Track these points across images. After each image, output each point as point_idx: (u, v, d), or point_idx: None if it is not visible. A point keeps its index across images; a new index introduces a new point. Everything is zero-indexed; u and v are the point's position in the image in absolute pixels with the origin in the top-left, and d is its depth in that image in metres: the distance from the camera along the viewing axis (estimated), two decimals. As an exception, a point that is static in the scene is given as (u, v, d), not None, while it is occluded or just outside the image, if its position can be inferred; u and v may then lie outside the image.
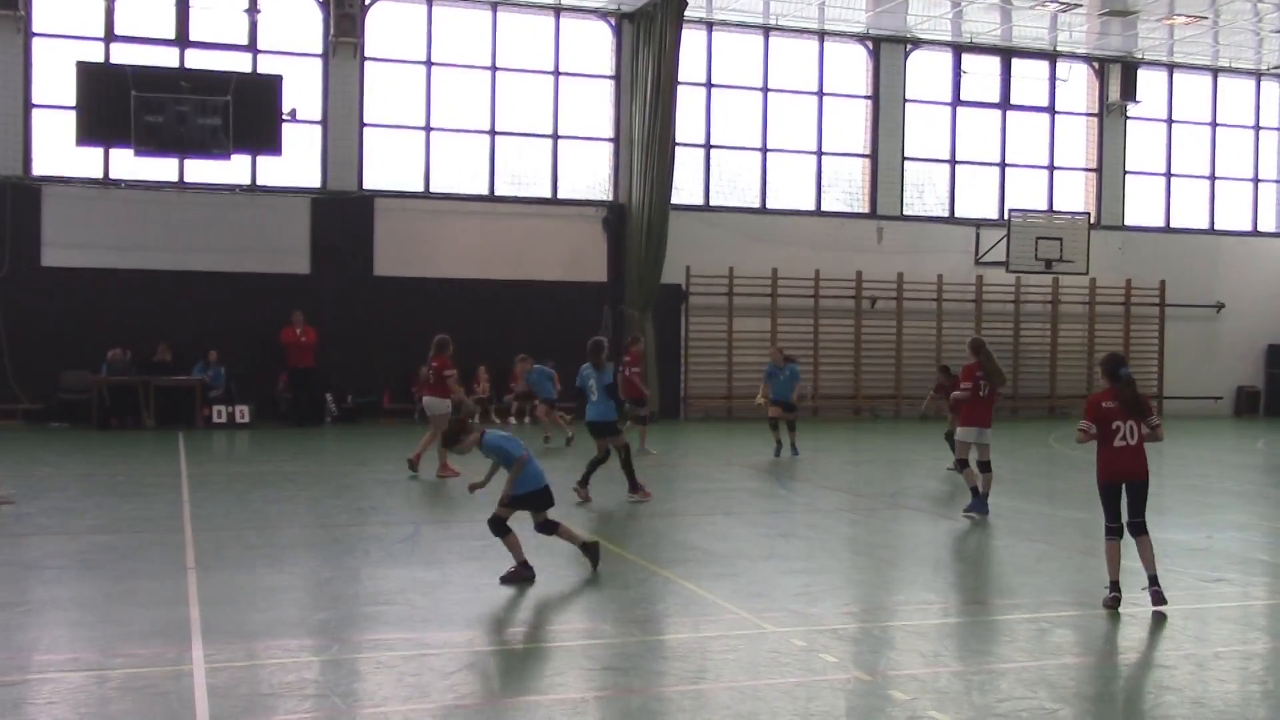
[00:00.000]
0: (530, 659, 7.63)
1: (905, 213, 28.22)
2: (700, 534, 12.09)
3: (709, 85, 26.75)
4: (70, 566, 10.03)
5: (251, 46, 23.72)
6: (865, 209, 28.05)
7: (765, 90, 27.11)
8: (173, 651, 7.48)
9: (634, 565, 10.36)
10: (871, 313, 27.63)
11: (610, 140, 26.10)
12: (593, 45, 26.11)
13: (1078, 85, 29.49)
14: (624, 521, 12.89)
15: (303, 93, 23.78)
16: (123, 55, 22.84)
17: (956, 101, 28.60)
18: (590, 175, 26.32)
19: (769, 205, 27.27)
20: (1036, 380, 29.04)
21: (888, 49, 27.73)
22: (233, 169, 23.42)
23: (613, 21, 25.95)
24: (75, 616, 8.47)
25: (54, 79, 22.63)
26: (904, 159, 28.17)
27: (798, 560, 10.80)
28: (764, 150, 27.20)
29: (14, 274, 22.32)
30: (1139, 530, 8.93)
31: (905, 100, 28.04)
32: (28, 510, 12.81)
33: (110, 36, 23.03)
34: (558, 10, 25.52)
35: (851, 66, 27.90)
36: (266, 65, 23.64)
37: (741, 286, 26.50)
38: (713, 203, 26.90)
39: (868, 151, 28.00)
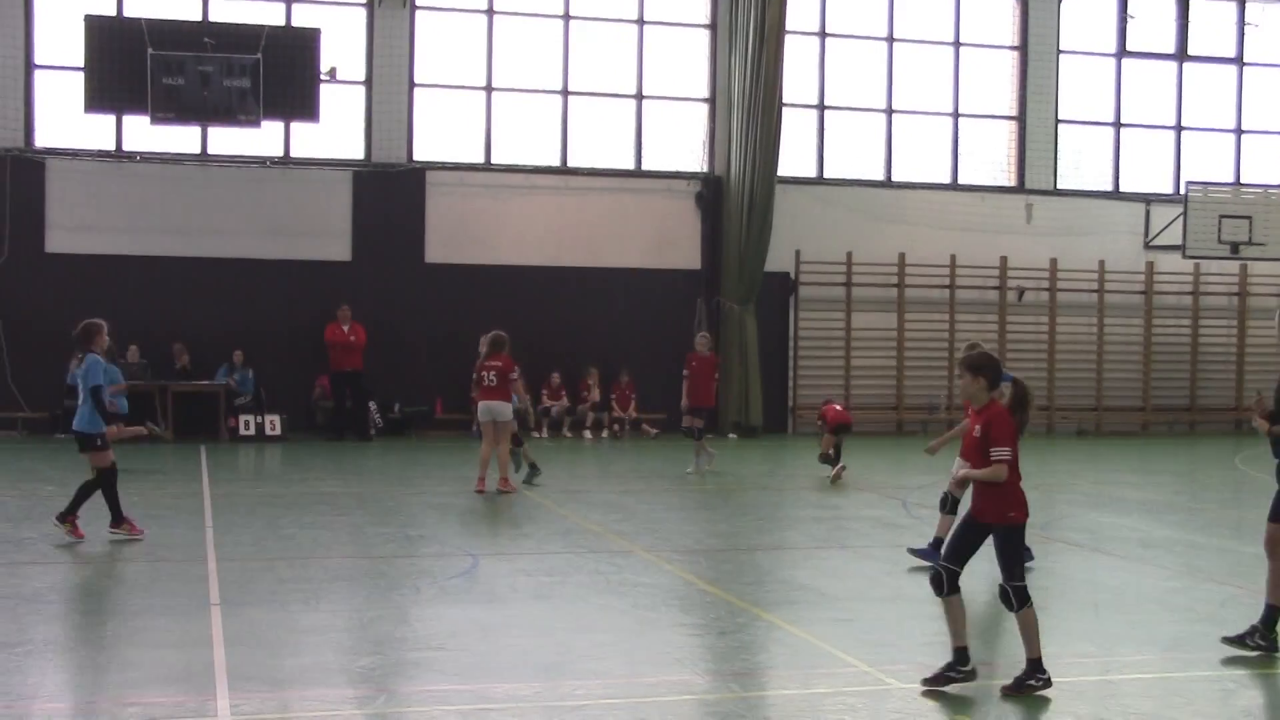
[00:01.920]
0: (607, 717, 7.66)
1: (1059, 186, 27.87)
2: (811, 571, 12.04)
3: (823, 35, 26.65)
4: (76, 600, 10.25)
5: (286, -4, 24.13)
6: (1011, 182, 27.75)
7: (890, 40, 26.95)
8: (194, 700, 7.62)
9: (732, 607, 10.34)
10: (1018, 306, 27.32)
11: (705, 101, 26.12)
12: (684, -11, 26.17)
13: (1272, 31, 28.89)
14: (721, 556, 12.88)
15: (344, 49, 24.12)
16: (137, 8, 23.34)
17: (1122, 53, 28.18)
18: (681, 142, 26.34)
19: (895, 178, 27.11)
20: (1219, 388, 28.52)
21: (1039, -10, 27.48)
22: (263, 138, 23.83)
23: (708, -40, 26.00)
24: (82, 659, 8.66)
25: (59, 36, 23.20)
26: (1058, 122, 27.83)
27: (927, 604, 10.67)
28: (889, 112, 27.03)
29: (14, 260, 22.91)
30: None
31: (1059, 52, 27.70)
32: (28, 536, 13.13)
33: (123, -14, 23.58)
34: (643, -52, 25.64)
35: (995, 12, 27.62)
36: (302, 17, 24.02)
37: (862, 274, 26.36)
38: (827, 175, 26.80)
39: (1014, 113, 27.70)
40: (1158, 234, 27.69)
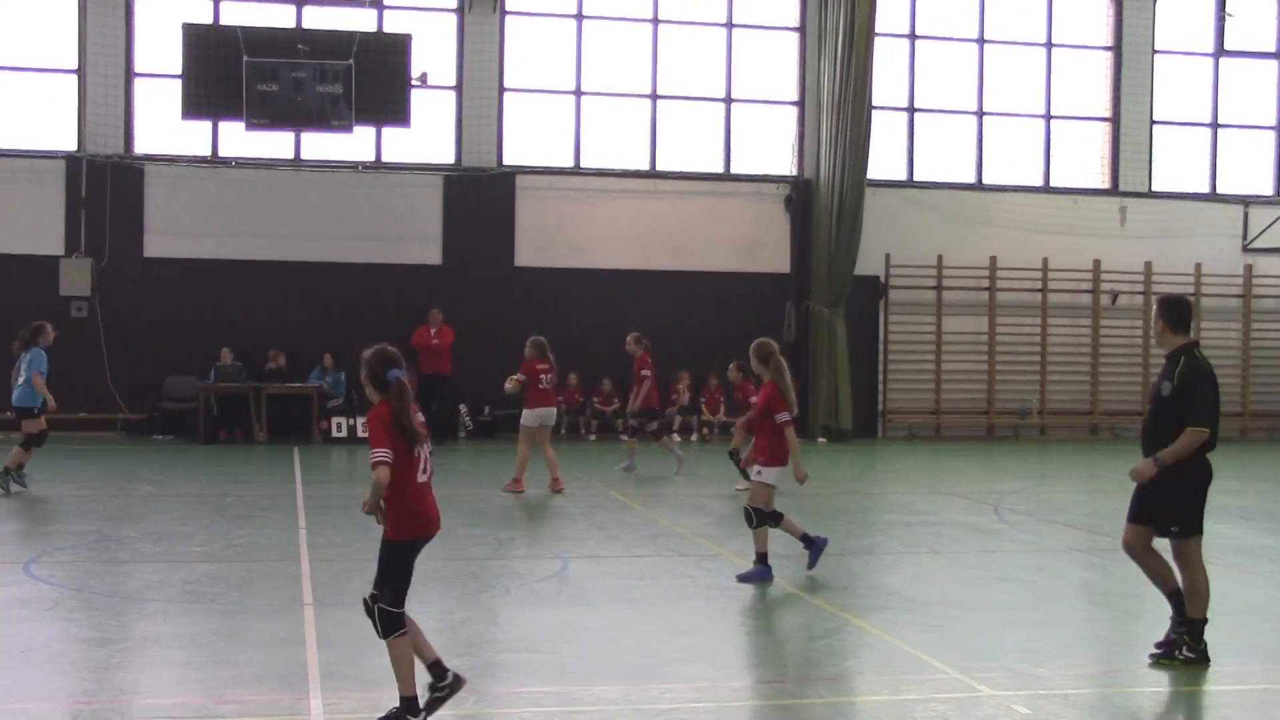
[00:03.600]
0: (697, 718, 7.67)
1: (1154, 188, 27.46)
2: (901, 576, 11.97)
3: (913, 37, 26.50)
4: (175, 599, 10.44)
5: (377, 2, 24.37)
6: (1105, 184, 27.40)
7: (981, 42, 26.72)
8: (288, 699, 7.74)
9: (821, 612, 10.31)
10: (1112, 310, 26.96)
11: (794, 104, 26.05)
12: (773, -8, 26.13)
13: (1376, 28, 28.30)
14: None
15: (435, 55, 24.36)
16: (233, 16, 23.73)
17: (1220, 52, 27.73)
18: (771, 146, 26.29)
19: (986, 180, 26.86)
20: (1323, 395, 27.95)
21: (1134, -11, 27.11)
22: (355, 143, 24.10)
23: (797, -37, 25.93)
24: (180, 656, 8.82)
25: (158, 45, 23.64)
26: (1153, 123, 27.44)
27: (1020, 610, 10.60)
28: (980, 114, 26.80)
29: (114, 265, 23.37)
30: None
31: (1155, 51, 27.31)
32: (129, 535, 13.41)
33: (220, -6, 23.97)
34: (732, -49, 25.63)
35: (1088, 12, 27.29)
36: (394, 23, 24.28)
37: (953, 278, 26.15)
38: (917, 177, 26.63)
39: (1108, 115, 27.35)
40: (1256, 236, 27.21)
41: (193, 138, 23.97)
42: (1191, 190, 27.72)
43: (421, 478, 7.48)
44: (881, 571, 12.38)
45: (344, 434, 23.18)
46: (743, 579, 11.30)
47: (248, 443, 22.76)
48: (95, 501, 15.85)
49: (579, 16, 25.19)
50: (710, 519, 15.04)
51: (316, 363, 23.69)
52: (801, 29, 25.92)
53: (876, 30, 24.74)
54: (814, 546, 11.70)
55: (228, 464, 19.95)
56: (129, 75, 23.78)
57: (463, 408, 24.28)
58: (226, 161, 24.06)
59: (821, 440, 24.74)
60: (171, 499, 16.30)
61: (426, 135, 24.54)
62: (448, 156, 24.82)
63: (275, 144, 24.11)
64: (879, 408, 26.22)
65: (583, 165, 25.33)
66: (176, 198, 23.80)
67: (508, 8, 24.87)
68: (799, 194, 25.81)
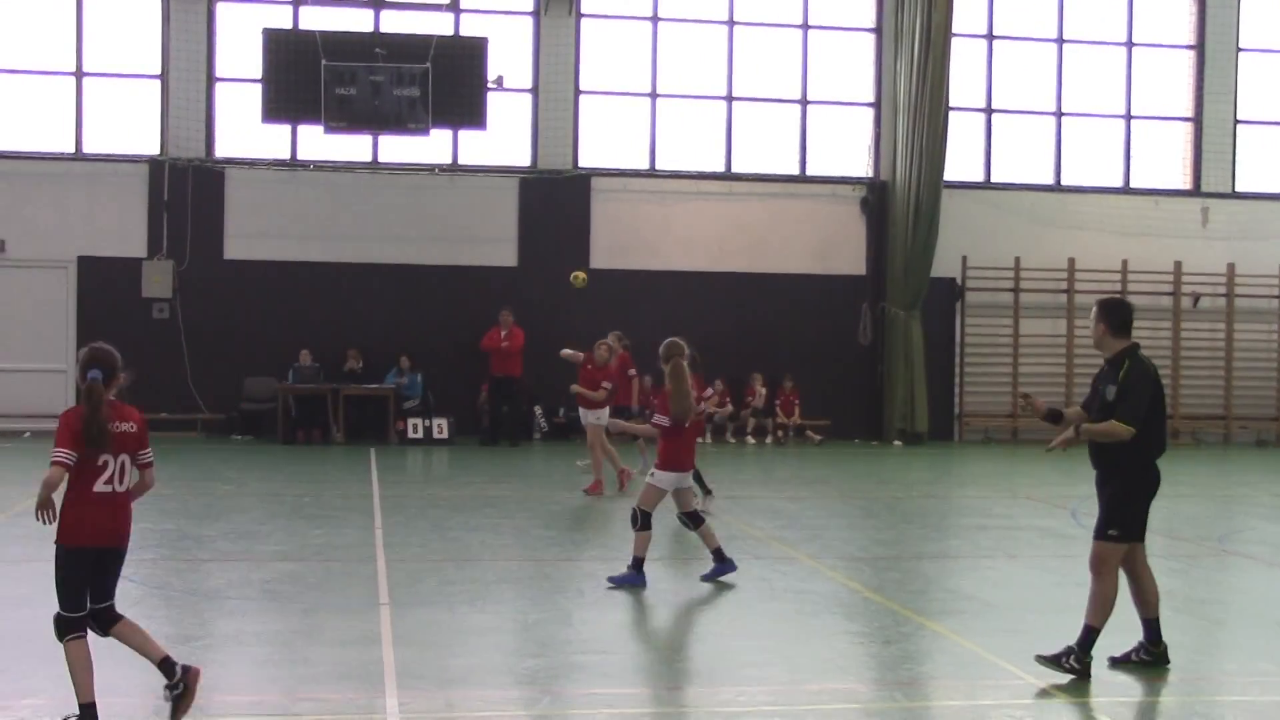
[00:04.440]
0: (771, 723, 7.64)
1: (1238, 189, 27.04)
2: (977, 581, 11.87)
3: (990, 37, 26.27)
4: (254, 598, 10.56)
5: (454, 6, 24.53)
6: (1187, 185, 27.02)
7: (1060, 42, 26.45)
8: (364, 697, 7.80)
9: (897, 616, 10.24)
10: (1193, 312, 26.57)
11: (870, 106, 25.93)
12: (849, -7, 26.03)
13: None
14: (885, 564, 12.76)
15: (511, 57, 24.47)
16: (312, 20, 23.99)
17: (1306, 49, 27.26)
18: (846, 148, 26.18)
19: (1064, 181, 26.59)
20: None
21: (1217, -13, 26.71)
22: (432, 146, 24.28)
23: (873, -36, 25.82)
24: (259, 654, 8.93)
25: (238, 49, 23.95)
26: (1236, 123, 27.02)
27: (1099, 616, 10.48)
28: (1058, 115, 26.53)
29: (195, 267, 23.69)
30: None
31: (1239, 50, 26.90)
32: (208, 534, 13.59)
33: (299, -1, 24.24)
34: (807, -48, 25.55)
35: (1170, 11, 26.92)
36: (470, 27, 24.44)
37: (1030, 280, 25.89)
38: (995, 179, 26.40)
39: (1190, 115, 26.97)
40: (1343, 237, 26.72)
41: (272, 141, 24.25)
42: (1276, 191, 27.25)
43: (104, 487, 7.10)
44: (957, 575, 12.28)
45: (420, 435, 23.34)
46: (614, 582, 10.96)
47: (325, 443, 22.99)
48: (176, 500, 16.06)
49: (654, 19, 25.21)
50: (784, 522, 14.99)
51: (393, 364, 23.87)
52: (878, 30, 25.79)
53: (954, 31, 24.57)
54: (723, 564, 11.25)
55: (305, 464, 20.15)
56: (210, 80, 24.10)
57: (537, 409, 24.37)
58: (305, 164, 24.32)
59: (897, 443, 24.60)
60: (250, 498, 16.50)
61: (502, 138, 24.67)
62: (523, 159, 24.93)
63: (353, 147, 24.34)
64: (955, 410, 26.02)
65: (658, 167, 25.35)
66: (256, 201, 24.08)
67: (583, 10, 24.94)
68: (875, 196, 25.66)
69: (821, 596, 10.86)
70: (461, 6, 24.57)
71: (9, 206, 23.51)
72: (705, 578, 11.24)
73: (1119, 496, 8.45)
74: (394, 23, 24.33)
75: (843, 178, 25.92)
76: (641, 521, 11.12)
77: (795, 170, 25.80)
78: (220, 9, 24.11)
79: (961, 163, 25.88)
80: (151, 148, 23.97)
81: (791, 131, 25.81)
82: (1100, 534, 8.49)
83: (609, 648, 9.08)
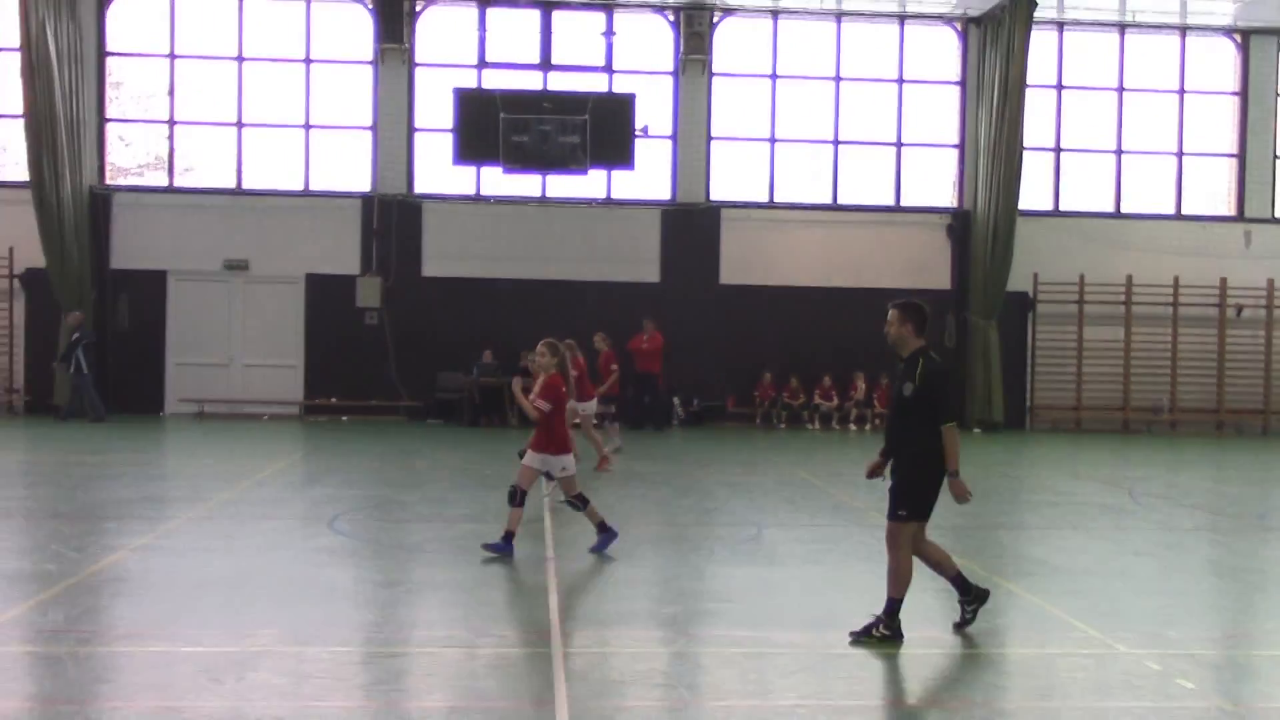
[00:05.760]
0: (869, 665, 7.55)
1: (1277, 215, 26.06)
2: (1046, 548, 11.62)
3: (1059, 87, 25.67)
4: (446, 551, 10.74)
5: (607, 67, 24.69)
6: (1231, 211, 26.11)
7: (1120, 90, 25.74)
8: (534, 634, 7.90)
9: (976, 575, 10.04)
10: (1237, 322, 25.66)
11: (955, 147, 25.50)
12: (938, 51, 25.60)
13: None
14: (966, 533, 12.55)
15: (654, 109, 24.54)
16: (493, 80, 24.33)
17: (1338, 94, 26.15)
18: (935, 182, 25.78)
19: (1124, 209, 25.86)
20: None
21: (1258, 41, 25.71)
22: (590, 183, 24.47)
23: (958, 26, 25.36)
24: (449, 597, 9.08)
25: (433, 105, 24.37)
26: (1276, 157, 26.05)
27: (1152, 580, 10.19)
28: (1119, 153, 25.81)
29: (398, 283, 24.18)
30: None
31: (1278, 95, 25.91)
32: (409, 499, 13.86)
33: (482, 63, 24.56)
34: (902, 18, 25.18)
35: (1217, 62, 26.03)
36: (621, 85, 24.57)
37: (1093, 294, 25.23)
38: (1063, 208, 25.77)
39: (1235, 151, 26.04)
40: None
41: (461, 180, 24.63)
42: (1310, 217, 26.23)
43: None
44: (1029, 543, 12.04)
45: (577, 420, 23.40)
46: (488, 549, 10.24)
47: (503, 426, 23.28)
48: (383, 472, 16.42)
49: (773, 76, 25.09)
50: (880, 495, 14.73)
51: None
52: (962, 83, 25.35)
53: (1028, 82, 24.05)
54: (606, 535, 10.54)
55: (487, 444, 20.43)
56: (410, 130, 24.55)
57: (676, 400, 24.42)
58: (487, 199, 24.66)
59: (976, 430, 24.16)
60: (442, 471, 16.79)
61: (647, 176, 24.75)
62: (665, 194, 24.98)
63: (526, 184, 24.61)
64: (1027, 403, 25.46)
65: (776, 200, 25.22)
66: (448, 228, 24.48)
67: (715, 70, 24.90)
68: (959, 223, 25.23)
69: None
70: (614, 68, 24.72)
71: (252, 234, 24.22)
72: (486, 546, 10.37)
73: (911, 481, 7.93)
74: (559, 82, 24.56)
75: (931, 208, 25.53)
76: (518, 499, 10.37)
77: (891, 202, 25.47)
78: (419, 72, 24.55)
79: (1034, 194, 25.31)
80: (364, 185, 24.51)
81: (888, 169, 25.49)
82: (892, 514, 7.99)
83: (734, 598, 9.07)
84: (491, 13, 24.57)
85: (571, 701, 6.51)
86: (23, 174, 23.07)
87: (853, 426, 24.35)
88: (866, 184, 25.53)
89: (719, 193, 25.10)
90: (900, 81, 25.35)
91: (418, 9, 24.41)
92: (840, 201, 25.35)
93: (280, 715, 6.23)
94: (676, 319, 24.06)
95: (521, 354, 15.22)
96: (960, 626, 8.16)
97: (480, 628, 8.04)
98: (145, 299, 23.97)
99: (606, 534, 10.59)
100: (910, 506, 7.94)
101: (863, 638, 7.84)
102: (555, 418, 10.62)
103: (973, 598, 8.23)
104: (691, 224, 24.74)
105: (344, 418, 24.04)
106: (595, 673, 7.10)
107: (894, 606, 7.90)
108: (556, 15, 24.69)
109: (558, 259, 24.48)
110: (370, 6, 24.23)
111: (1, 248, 23.47)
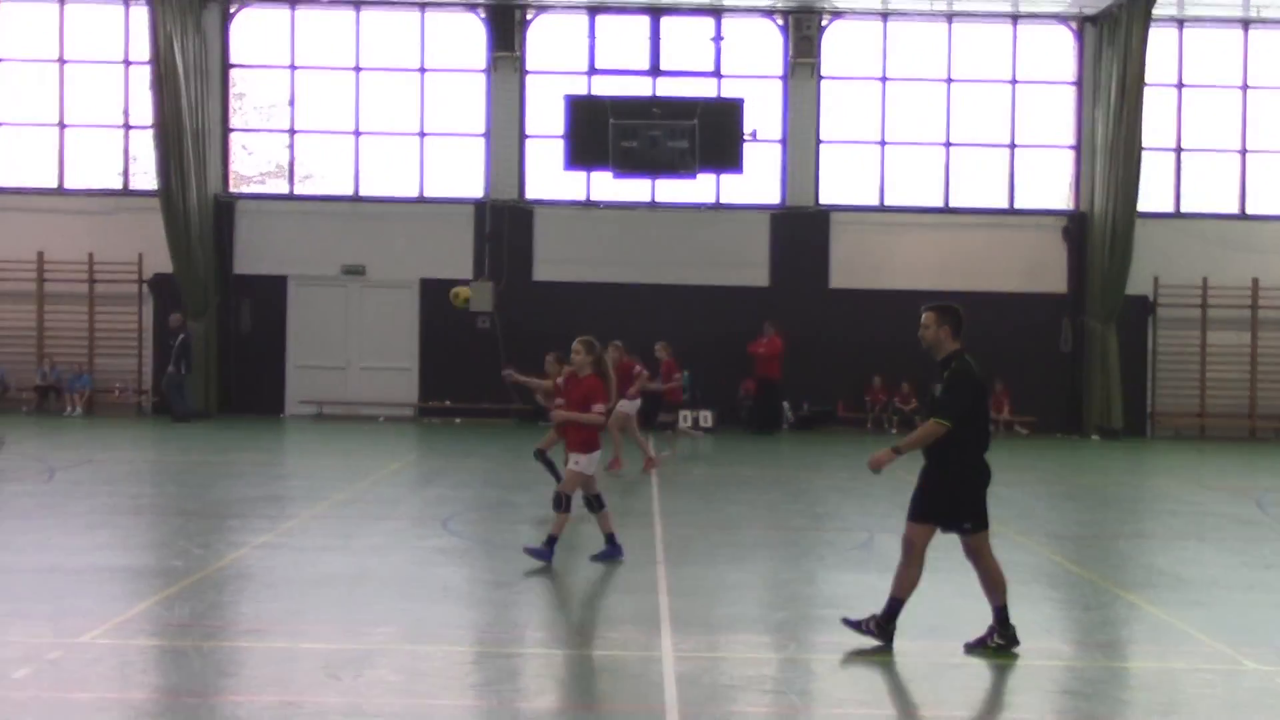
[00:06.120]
0: (984, 675, 7.39)
1: None
2: (1169, 558, 11.26)
3: (1180, 86, 24.89)
4: (557, 552, 10.76)
5: (716, 72, 24.63)
6: (1364, 212, 25.08)
7: (1245, 88, 24.86)
8: (644, 637, 7.88)
9: (1096, 586, 9.80)
10: (1368, 324, 24.64)
11: (1071, 148, 24.89)
12: (1052, 50, 25.03)
13: None
14: (1085, 542, 12.25)
15: (763, 113, 24.38)
16: (603, 87, 24.44)
17: None
18: (1050, 184, 25.22)
19: (1249, 210, 24.99)
20: None
21: (1394, 35, 24.69)
22: (698, 188, 24.43)
23: (1074, 25, 24.77)
24: (558, 598, 9.13)
25: (544, 111, 24.57)
26: None
27: (1283, 593, 9.81)
28: (1243, 152, 24.93)
29: (510, 287, 24.40)
30: None
31: None
32: (520, 500, 13.96)
33: (592, 70, 24.68)
34: (1015, 18, 24.69)
35: (1349, 57, 25.04)
36: (730, 89, 24.48)
37: (1217, 297, 24.41)
38: (1184, 209, 24.99)
39: (1367, 149, 25.01)
40: None
41: (571, 185, 24.77)
42: None
43: None
44: (1150, 553, 11.68)
45: (689, 424, 23.47)
46: (595, 559, 10.13)
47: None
48: (495, 474, 16.58)
49: (883, 79, 24.78)
50: (994, 502, 14.43)
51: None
52: (1078, 83, 24.74)
53: (1146, 81, 23.40)
54: (612, 549, 10.23)
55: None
56: (521, 137, 24.77)
57: (786, 404, 24.23)
58: (597, 204, 24.76)
59: (1095, 437, 23.55)
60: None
61: (756, 180, 24.61)
62: (774, 198, 24.83)
63: (635, 189, 24.67)
64: (1148, 410, 24.74)
65: (886, 203, 24.91)
66: (558, 233, 24.64)
67: (823, 73, 24.68)
68: (1075, 225, 24.62)
69: (1028, 567, 10.47)
70: (723, 72, 24.65)
71: (370, 240, 24.65)
72: (594, 557, 10.21)
73: (957, 493, 7.67)
74: (668, 87, 24.57)
75: (1046, 210, 24.98)
76: (565, 504, 10.14)
77: (1004, 204, 24.98)
78: (530, 79, 24.76)
79: (1154, 195, 24.58)
80: (476, 192, 24.79)
81: (1001, 171, 24.99)
82: (912, 516, 7.75)
83: (845, 604, 8.93)
84: (601, 20, 24.69)
85: (682, 705, 6.48)
86: (151, 183, 23.82)
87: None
88: (979, 186, 25.07)
89: (828, 196, 24.86)
90: (1014, 82, 24.84)
91: (529, 17, 24.64)
92: (952, 204, 24.93)
93: (396, 712, 6.30)
94: (786, 323, 23.85)
95: (545, 357, 14.99)
96: (973, 647, 7.73)
97: (591, 629, 8.06)
98: (267, 303, 24.56)
99: (613, 548, 10.23)
100: (971, 517, 7.73)
101: (976, 648, 7.67)
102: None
103: (1009, 637, 7.77)
104: (801, 227, 24.55)
105: (457, 420, 24.33)
106: (705, 677, 7.05)
107: (894, 608, 7.75)
108: (665, 21, 24.72)
109: (666, 263, 24.47)
110: (483, 16, 24.53)
111: (131, 254, 24.23)
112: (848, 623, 7.81)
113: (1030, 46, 24.92)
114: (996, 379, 23.95)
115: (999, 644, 7.66)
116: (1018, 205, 24.94)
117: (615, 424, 16.67)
